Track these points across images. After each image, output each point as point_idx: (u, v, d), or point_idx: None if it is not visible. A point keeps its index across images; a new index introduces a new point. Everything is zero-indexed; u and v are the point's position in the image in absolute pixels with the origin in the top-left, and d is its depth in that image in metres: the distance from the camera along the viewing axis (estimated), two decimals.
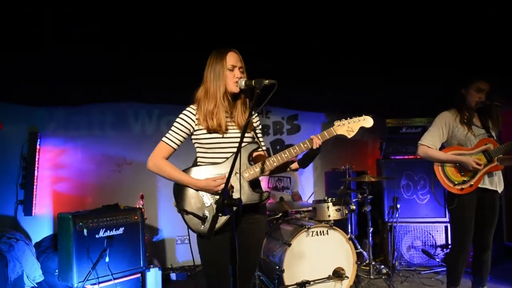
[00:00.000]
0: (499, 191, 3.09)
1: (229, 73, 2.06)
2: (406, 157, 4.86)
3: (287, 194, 4.68)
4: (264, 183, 4.73)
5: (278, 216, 4.12)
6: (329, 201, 3.96)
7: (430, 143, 3.13)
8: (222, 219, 1.96)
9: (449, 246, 4.61)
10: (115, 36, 3.65)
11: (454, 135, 3.13)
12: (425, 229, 4.71)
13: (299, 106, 5.65)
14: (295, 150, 2.06)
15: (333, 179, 5.32)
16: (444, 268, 4.54)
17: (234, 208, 1.60)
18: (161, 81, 4.35)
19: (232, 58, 2.08)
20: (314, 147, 2.05)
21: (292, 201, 4.46)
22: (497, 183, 3.09)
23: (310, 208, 4.20)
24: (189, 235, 2.08)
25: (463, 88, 3.14)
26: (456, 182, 3.07)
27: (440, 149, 3.18)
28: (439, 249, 4.65)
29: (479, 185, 3.03)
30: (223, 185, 1.93)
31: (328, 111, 5.75)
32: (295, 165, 2.22)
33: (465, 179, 3.05)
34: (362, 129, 2.21)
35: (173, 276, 4.61)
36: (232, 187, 1.93)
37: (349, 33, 3.84)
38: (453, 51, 4.15)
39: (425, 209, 4.72)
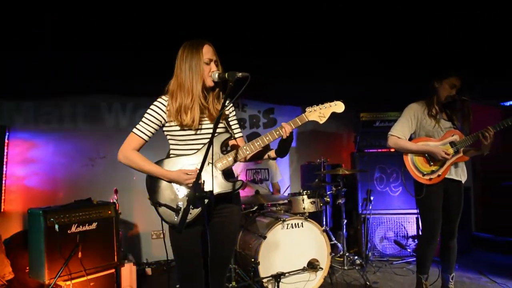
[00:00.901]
0: (463, 181, 3.19)
1: (205, 67, 2.05)
2: (379, 150, 4.97)
3: (264, 187, 4.71)
4: (242, 175, 4.74)
5: (254, 209, 4.13)
6: (304, 194, 4.01)
7: (400, 134, 3.19)
8: (195, 212, 1.96)
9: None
10: (89, 28, 3.56)
11: (422, 126, 3.20)
12: (397, 221, 4.84)
13: (275, 100, 5.67)
14: (267, 138, 2.07)
15: (308, 172, 5.38)
16: (415, 258, 4.69)
17: (206, 201, 1.59)
18: (136, 73, 4.28)
19: (208, 52, 2.06)
20: (284, 136, 2.05)
21: (268, 194, 4.48)
22: (461, 174, 3.19)
23: (286, 201, 4.24)
24: (163, 229, 2.06)
25: (436, 81, 3.19)
26: (425, 172, 3.13)
27: (409, 140, 3.25)
28: (410, 239, 4.79)
29: (446, 176, 3.11)
30: (193, 179, 1.93)
31: (304, 104, 5.79)
32: (272, 153, 2.22)
33: (433, 169, 3.12)
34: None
35: (148, 271, 4.57)
36: (203, 180, 1.93)
37: (322, 30, 3.87)
38: (425, 50, 4.26)
39: (397, 201, 4.85)
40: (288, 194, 4.30)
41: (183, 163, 2.05)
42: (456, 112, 3.21)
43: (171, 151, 2.13)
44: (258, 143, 2.08)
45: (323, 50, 4.32)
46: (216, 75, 2.02)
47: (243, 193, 4.77)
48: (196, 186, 1.58)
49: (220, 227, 2.13)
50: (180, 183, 2.01)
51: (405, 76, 4.71)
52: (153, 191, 2.05)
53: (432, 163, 3.13)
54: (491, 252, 5.12)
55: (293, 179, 5.81)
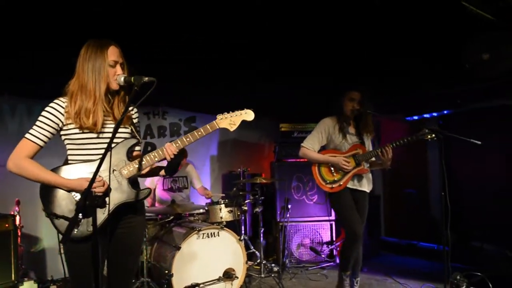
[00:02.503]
0: (368, 191, 3.46)
1: (110, 70, 1.94)
2: (297, 160, 5.13)
3: (183, 196, 4.61)
4: (159, 184, 4.60)
5: (170, 219, 4.02)
6: (222, 202, 3.99)
7: (309, 146, 3.45)
8: (97, 222, 1.84)
9: (334, 242, 4.98)
10: None
11: (331, 140, 3.47)
12: (313, 228, 5.02)
13: (197, 108, 5.61)
14: (153, 155, 2.01)
15: (229, 181, 5.39)
16: (329, 264, 4.90)
17: (99, 210, 1.50)
18: (44, 75, 3.98)
19: (113, 54, 1.95)
20: (167, 158, 2.00)
21: (184, 204, 4.39)
22: (366, 184, 3.45)
23: (203, 210, 4.20)
24: (59, 244, 1.90)
25: (340, 98, 3.49)
26: (328, 181, 3.39)
27: (320, 151, 3.48)
28: (325, 245, 4.99)
29: (349, 186, 3.36)
30: (101, 187, 1.82)
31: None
32: (162, 172, 2.21)
33: (335, 178, 3.37)
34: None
35: None
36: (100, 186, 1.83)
37: (245, 41, 3.94)
38: (339, 65, 4.53)
39: (313, 209, 5.04)
40: (206, 203, 4.26)
41: (84, 170, 1.91)
42: (362, 127, 3.47)
43: (70, 157, 1.97)
44: (160, 153, 2.01)
45: (246, 61, 4.39)
46: (122, 79, 1.93)
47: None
48: (88, 194, 1.47)
49: (124, 238, 2.02)
50: (82, 192, 1.87)
51: (324, 88, 4.96)
52: (48, 201, 1.87)
53: (334, 173, 3.38)
54: (397, 255, 5.51)
55: (214, 188, 5.77)
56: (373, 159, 3.40)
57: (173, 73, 4.11)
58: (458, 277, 3.50)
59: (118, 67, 1.97)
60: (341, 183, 3.34)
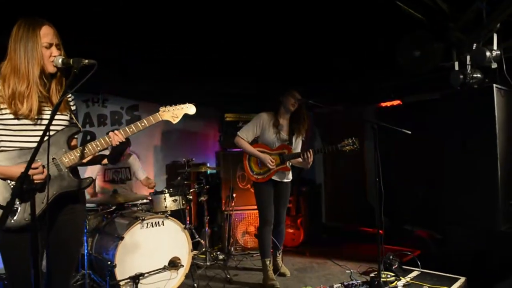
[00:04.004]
0: (289, 180, 3.92)
1: (45, 51, 1.85)
2: (241, 150, 5.17)
3: (125, 188, 4.50)
4: (100, 175, 4.44)
5: (112, 209, 3.91)
6: (166, 192, 3.95)
7: (244, 136, 3.81)
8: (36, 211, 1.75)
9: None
10: None
11: (264, 135, 3.82)
12: (257, 216, 5.10)
13: (139, 97, 5.46)
14: (100, 142, 1.98)
15: (173, 171, 5.33)
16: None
17: (43, 194, 1.44)
18: None
19: (47, 35, 1.85)
20: (113, 144, 1.99)
21: (127, 193, 4.30)
22: (287, 176, 3.88)
23: (147, 200, 4.13)
24: None
25: (280, 95, 3.81)
26: (254, 172, 3.82)
27: (252, 142, 3.86)
28: None
29: (273, 178, 3.78)
30: (40, 174, 1.74)
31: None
32: (105, 161, 2.18)
33: (261, 171, 3.79)
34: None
35: None
36: (39, 172, 1.75)
37: (189, 31, 3.88)
38: (282, 56, 4.63)
39: None
40: (149, 193, 4.19)
41: (21, 158, 1.81)
42: (296, 126, 3.83)
43: (2, 143, 1.85)
44: (106, 140, 1.97)
45: (193, 51, 4.33)
46: (60, 61, 1.85)
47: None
48: (24, 178, 1.40)
49: (65, 226, 1.95)
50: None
51: (269, 81, 5.05)
52: None
53: (261, 167, 3.79)
54: (337, 240, 5.78)
55: (158, 178, 5.68)
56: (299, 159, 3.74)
57: (114, 58, 3.97)
58: (391, 257, 3.77)
59: (54, 48, 1.88)
60: (265, 176, 3.77)
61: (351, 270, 4.13)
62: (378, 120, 3.46)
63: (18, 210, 1.75)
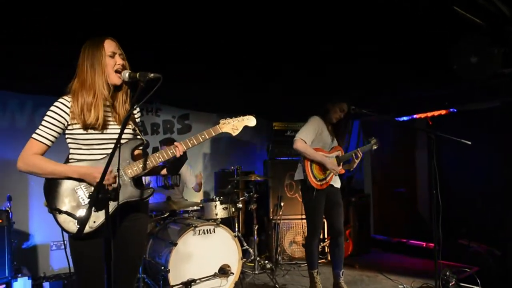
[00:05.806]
0: (339, 187, 3.76)
1: (109, 60, 1.94)
2: (289, 158, 5.19)
3: (176, 194, 4.62)
4: (153, 181, 4.60)
5: (165, 215, 4.04)
6: (217, 200, 4.02)
7: (306, 138, 3.53)
8: (99, 220, 1.85)
9: (325, 239, 5.05)
10: None
11: (321, 138, 3.64)
12: (305, 225, 5.06)
13: (190, 106, 5.62)
14: (162, 155, 2.02)
15: (222, 179, 5.42)
16: (321, 260, 4.97)
17: (111, 202, 1.51)
18: (36, 70, 3.93)
19: (110, 45, 1.95)
20: (177, 155, 2.02)
21: (179, 201, 4.41)
22: (337, 181, 3.75)
23: (198, 207, 4.21)
24: (63, 239, 1.90)
25: (329, 103, 3.68)
26: (318, 179, 3.57)
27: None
28: None
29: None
30: (114, 184, 1.82)
31: (219, 111, 5.84)
32: (164, 171, 2.22)
33: (323, 177, 3.60)
34: (247, 129, 2.29)
35: (46, 285, 4.17)
36: (111, 182, 1.84)
37: (236, 39, 3.93)
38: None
39: None
40: (201, 200, 4.28)
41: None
42: (340, 133, 3.80)
43: (72, 156, 1.95)
44: (169, 152, 2.03)
45: (241, 60, 4.38)
46: (127, 75, 1.93)
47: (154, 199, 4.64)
48: (100, 187, 1.48)
49: (128, 231, 2.03)
50: (88, 178, 1.87)
51: (311, 90, 5.01)
52: (52, 196, 1.87)
53: (324, 172, 3.60)
54: (386, 252, 5.62)
55: (206, 186, 5.80)
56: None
57: (166, 69, 4.09)
58: (447, 273, 3.60)
59: (118, 57, 1.96)
60: (328, 180, 3.60)
61: (404, 285, 3.98)
62: (431, 129, 3.34)
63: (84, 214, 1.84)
